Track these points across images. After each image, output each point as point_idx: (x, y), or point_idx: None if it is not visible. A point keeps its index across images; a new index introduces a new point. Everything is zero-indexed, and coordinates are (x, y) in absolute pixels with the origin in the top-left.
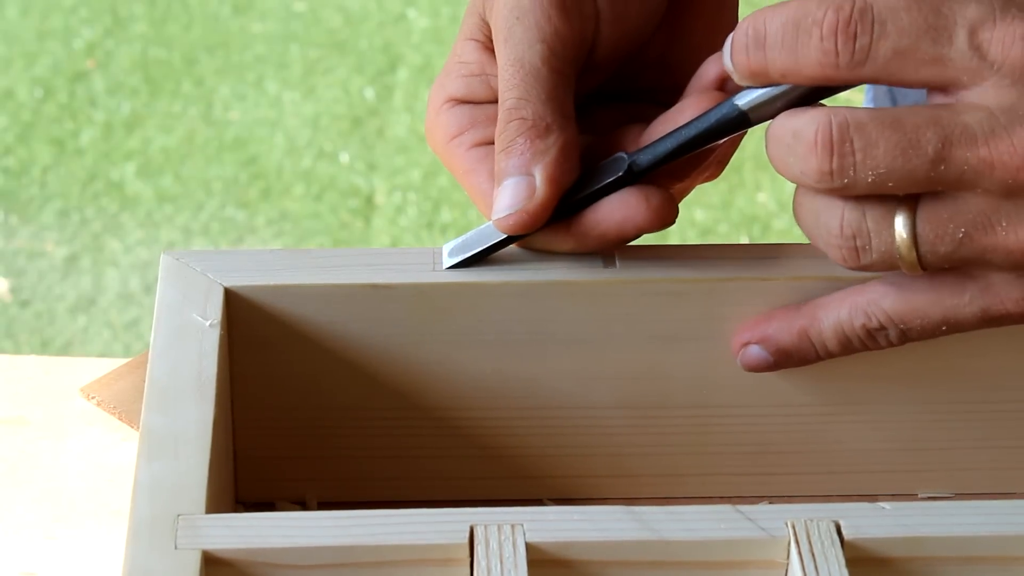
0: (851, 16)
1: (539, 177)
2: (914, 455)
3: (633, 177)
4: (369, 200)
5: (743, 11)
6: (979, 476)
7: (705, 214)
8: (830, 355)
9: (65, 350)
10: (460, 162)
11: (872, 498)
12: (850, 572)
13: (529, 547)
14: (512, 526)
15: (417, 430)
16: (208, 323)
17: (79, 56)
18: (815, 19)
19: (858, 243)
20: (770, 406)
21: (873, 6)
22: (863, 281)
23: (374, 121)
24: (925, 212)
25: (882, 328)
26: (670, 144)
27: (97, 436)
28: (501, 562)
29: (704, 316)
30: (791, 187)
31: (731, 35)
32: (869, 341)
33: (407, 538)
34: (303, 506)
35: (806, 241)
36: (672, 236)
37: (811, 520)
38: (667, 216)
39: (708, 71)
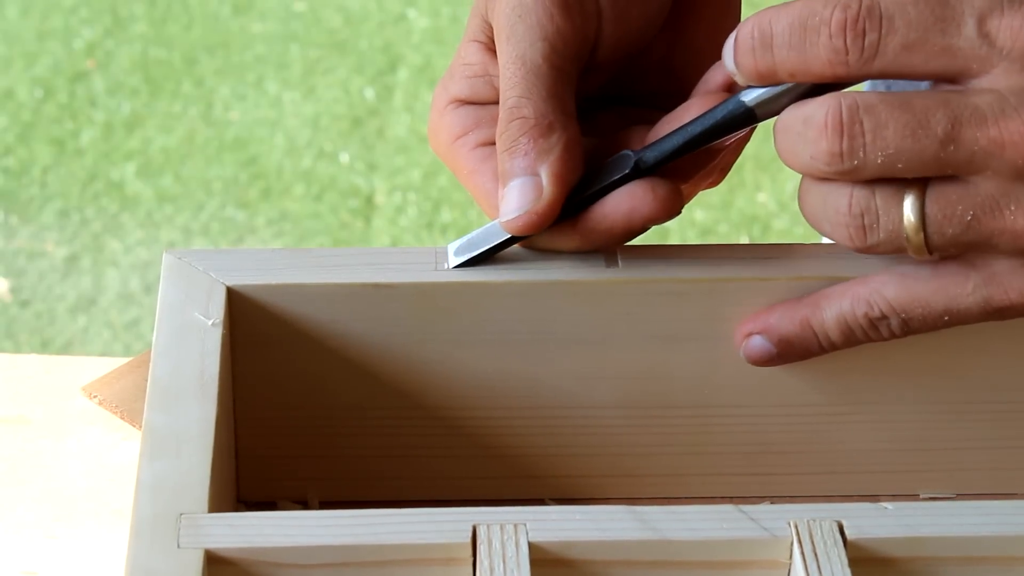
0: (859, 13)
1: (545, 176)
2: (916, 455)
3: (640, 174)
4: (369, 200)
5: (746, 15)
6: (981, 476)
7: (705, 214)
8: (833, 346)
9: (65, 350)
10: (464, 163)
11: (874, 498)
12: (852, 572)
13: (531, 547)
14: (515, 526)
15: (419, 429)
16: (210, 322)
17: (79, 56)
18: (823, 18)
19: (866, 221)
20: (772, 406)
21: (880, 2)
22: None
23: (374, 121)
24: (934, 193)
25: (884, 317)
26: (676, 141)
27: (98, 435)
28: (504, 562)
29: (705, 316)
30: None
31: (732, 37)
32: (871, 331)
33: (409, 537)
34: (305, 505)
35: (807, 241)
36: (672, 236)
37: (814, 520)
38: (674, 206)
39: (715, 76)
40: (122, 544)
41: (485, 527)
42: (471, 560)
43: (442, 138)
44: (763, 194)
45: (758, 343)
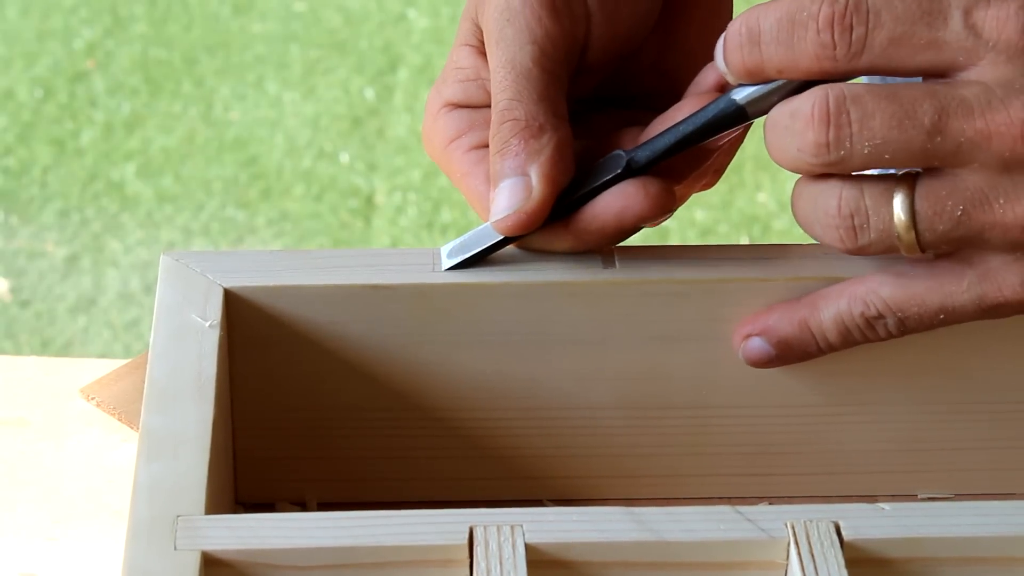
0: (846, 8)
1: (535, 177)
2: (914, 455)
3: (632, 174)
4: (369, 200)
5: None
6: (979, 477)
7: (705, 214)
8: (831, 347)
9: (65, 350)
10: (458, 165)
11: (872, 499)
12: (850, 573)
13: (528, 548)
14: (512, 527)
15: (417, 431)
16: (208, 324)
17: (79, 56)
18: (810, 13)
19: (856, 222)
20: (770, 407)
21: None
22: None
23: (374, 121)
24: (923, 190)
25: (880, 316)
26: (668, 140)
27: (97, 437)
28: (501, 563)
29: (704, 317)
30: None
31: (723, 35)
32: (868, 331)
33: (407, 539)
34: (303, 507)
35: (806, 241)
36: (672, 236)
37: (811, 521)
38: (666, 204)
39: (707, 76)
40: (121, 545)
41: (482, 528)
42: (468, 562)
43: (436, 142)
44: (763, 194)
45: (757, 345)
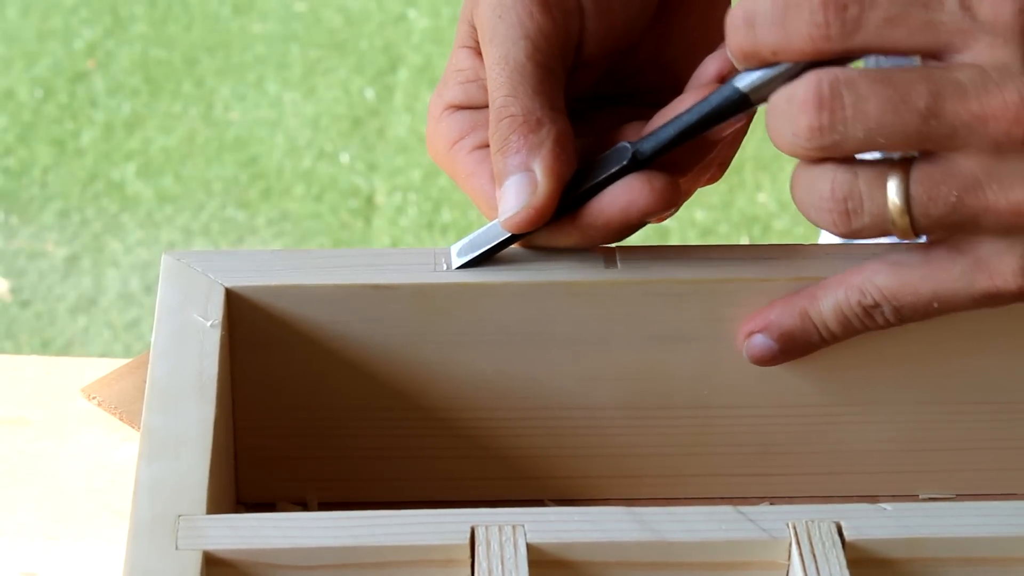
0: None
1: (539, 171)
2: (915, 456)
3: (637, 166)
4: (369, 200)
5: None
6: (981, 477)
7: (705, 214)
8: (833, 336)
9: (65, 350)
10: (461, 166)
11: (873, 499)
12: (851, 573)
13: (530, 548)
14: (513, 527)
15: (418, 431)
16: (209, 323)
17: (79, 56)
18: None
19: (850, 206)
20: (771, 407)
21: None
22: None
23: (374, 121)
24: (918, 174)
25: (877, 305)
26: (673, 130)
27: (98, 436)
28: (502, 563)
29: (705, 317)
30: None
31: (726, 20)
32: (867, 319)
33: (408, 539)
34: (304, 507)
35: (807, 241)
36: (672, 237)
37: (812, 521)
38: (671, 198)
39: (708, 68)
40: (122, 545)
41: (483, 528)
42: (469, 561)
43: (439, 144)
44: (763, 194)
45: (760, 341)
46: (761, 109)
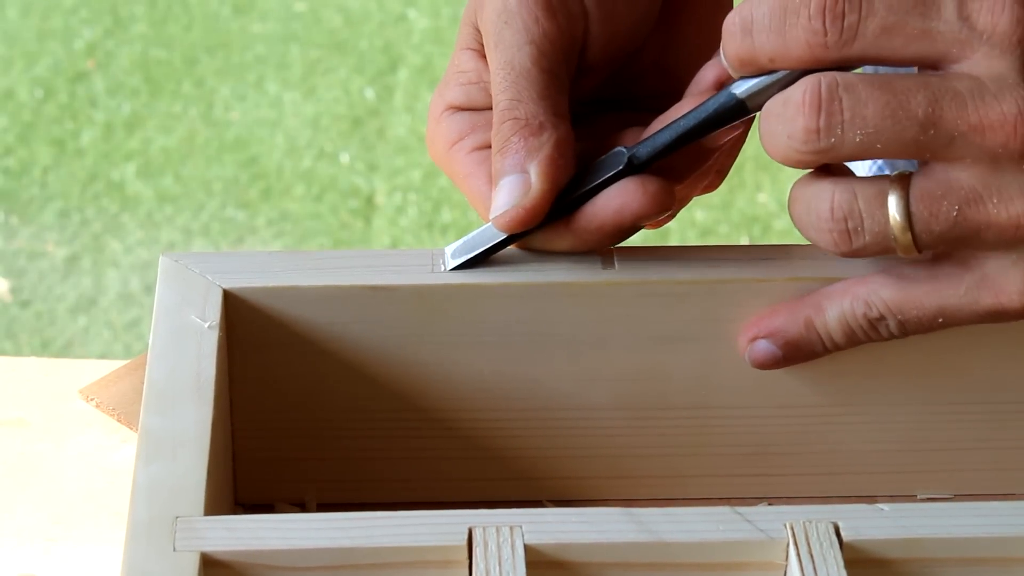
0: None
1: (534, 173)
2: (913, 456)
3: (634, 171)
4: (369, 200)
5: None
6: (979, 477)
7: (705, 214)
8: (836, 346)
9: (65, 350)
10: (460, 167)
11: (871, 499)
12: (849, 574)
13: (528, 549)
14: (511, 528)
15: (416, 431)
16: (207, 325)
17: (79, 56)
18: (803, 0)
19: (849, 225)
20: (769, 407)
21: None
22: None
23: (374, 121)
24: (917, 190)
25: (882, 318)
26: (669, 135)
27: (96, 438)
28: (500, 564)
29: (704, 317)
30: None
31: (723, 27)
32: (871, 331)
33: (406, 540)
34: (302, 508)
35: (806, 242)
36: (672, 237)
37: (810, 521)
38: (664, 202)
39: (707, 75)
40: (120, 546)
41: (481, 529)
42: (467, 563)
43: (439, 145)
44: (763, 194)
45: (763, 347)
46: (758, 117)
